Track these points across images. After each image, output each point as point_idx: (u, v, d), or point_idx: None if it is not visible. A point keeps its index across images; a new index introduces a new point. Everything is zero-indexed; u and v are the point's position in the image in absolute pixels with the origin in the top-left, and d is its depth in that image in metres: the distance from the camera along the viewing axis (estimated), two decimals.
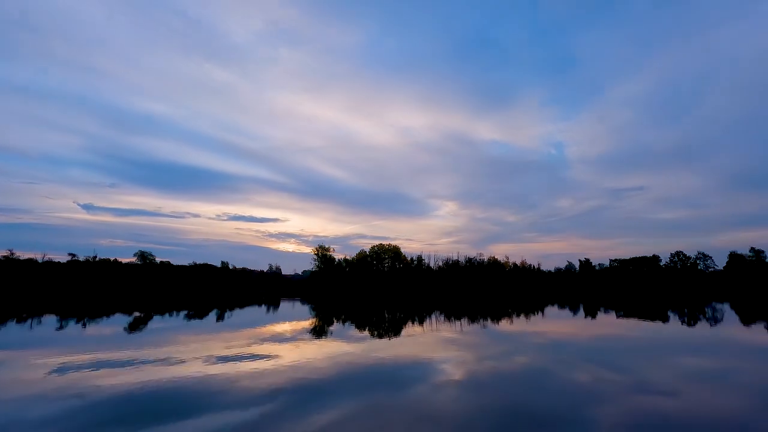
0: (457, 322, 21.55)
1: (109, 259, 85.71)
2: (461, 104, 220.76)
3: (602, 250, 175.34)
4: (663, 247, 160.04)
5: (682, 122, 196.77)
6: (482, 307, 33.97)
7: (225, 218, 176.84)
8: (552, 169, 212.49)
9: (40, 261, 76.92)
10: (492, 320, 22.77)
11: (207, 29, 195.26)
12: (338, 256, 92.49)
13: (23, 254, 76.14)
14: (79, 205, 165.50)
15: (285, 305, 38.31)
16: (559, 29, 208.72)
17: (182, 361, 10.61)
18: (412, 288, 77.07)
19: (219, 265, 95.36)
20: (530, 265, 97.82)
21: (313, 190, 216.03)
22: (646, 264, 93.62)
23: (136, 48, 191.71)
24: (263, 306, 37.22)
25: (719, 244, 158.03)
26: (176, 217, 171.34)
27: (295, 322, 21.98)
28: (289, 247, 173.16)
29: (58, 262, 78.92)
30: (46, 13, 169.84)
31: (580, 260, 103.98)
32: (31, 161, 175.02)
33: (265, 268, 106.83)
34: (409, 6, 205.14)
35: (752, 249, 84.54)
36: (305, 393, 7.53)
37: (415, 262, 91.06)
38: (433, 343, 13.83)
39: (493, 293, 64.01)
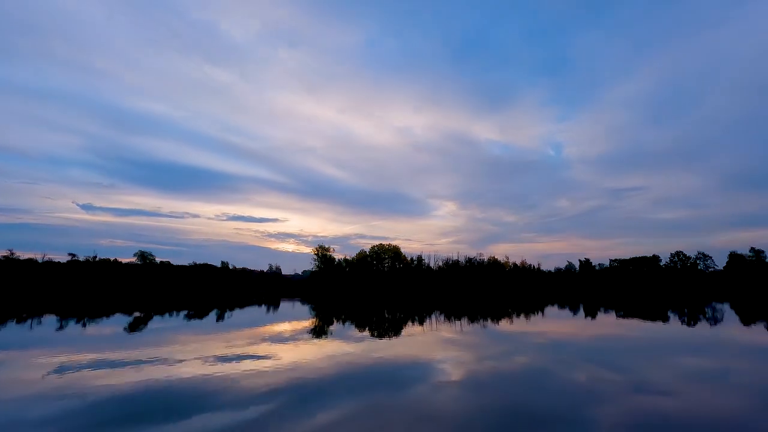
0: (457, 322, 21.55)
1: (109, 259, 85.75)
2: (461, 104, 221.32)
3: (602, 250, 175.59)
4: (663, 247, 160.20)
5: (681, 122, 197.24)
6: (482, 307, 33.96)
7: (224, 218, 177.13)
8: (551, 169, 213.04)
9: (40, 261, 76.95)
10: (492, 320, 22.77)
11: (206, 30, 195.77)
12: (338, 256, 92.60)
13: (23, 254, 76.22)
14: (78, 205, 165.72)
15: (285, 305, 38.31)
16: (557, 30, 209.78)
17: (182, 361, 10.61)
18: (412, 288, 77.06)
19: (219, 265, 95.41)
20: (530, 265, 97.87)
21: (313, 190, 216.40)
22: (646, 264, 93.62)
23: (136, 48, 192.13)
24: (263, 306, 37.22)
25: (719, 244, 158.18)
26: (176, 217, 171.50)
27: (295, 322, 21.98)
28: (288, 247, 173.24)
29: (58, 262, 78.99)
30: (47, 14, 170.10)
31: (580, 260, 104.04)
32: (31, 161, 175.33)
33: (265, 268, 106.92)
34: (408, 7, 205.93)
35: (752, 249, 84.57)
36: (305, 393, 7.53)
37: (415, 262, 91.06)
38: (433, 343, 13.83)
39: (493, 293, 64.00)
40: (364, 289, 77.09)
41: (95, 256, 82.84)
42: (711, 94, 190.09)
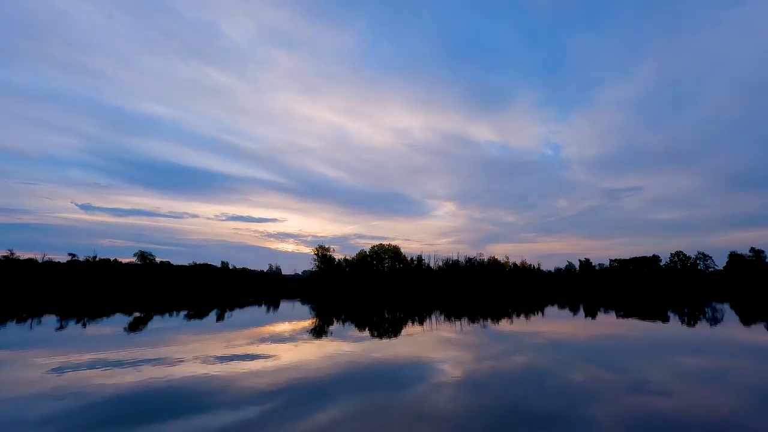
0: (457, 322, 21.55)
1: (109, 259, 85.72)
2: (458, 105, 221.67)
3: (601, 250, 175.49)
4: (662, 247, 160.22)
5: (679, 122, 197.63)
6: (482, 307, 33.96)
7: (223, 218, 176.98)
8: (550, 169, 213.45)
9: (40, 261, 76.92)
10: (492, 320, 22.77)
11: (205, 31, 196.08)
12: (338, 256, 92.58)
13: (23, 254, 76.17)
14: (77, 205, 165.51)
15: (285, 305, 38.31)
16: (553, 31, 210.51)
17: (182, 361, 10.61)
18: (412, 288, 77.07)
19: (219, 265, 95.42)
20: (530, 265, 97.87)
21: (312, 190, 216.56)
22: (646, 264, 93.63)
23: (135, 49, 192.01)
24: (263, 306, 37.22)
25: (719, 244, 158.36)
26: (175, 217, 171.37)
27: (295, 322, 21.98)
28: (288, 247, 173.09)
29: (58, 262, 78.94)
30: (45, 15, 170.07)
31: (580, 260, 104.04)
32: (30, 162, 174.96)
33: (265, 268, 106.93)
34: (403, 9, 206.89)
35: (752, 249, 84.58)
36: (305, 393, 7.53)
37: (415, 262, 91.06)
38: (433, 343, 13.83)
39: (493, 293, 64.00)
40: (364, 289, 77.09)
41: (95, 256, 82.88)
42: (709, 94, 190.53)
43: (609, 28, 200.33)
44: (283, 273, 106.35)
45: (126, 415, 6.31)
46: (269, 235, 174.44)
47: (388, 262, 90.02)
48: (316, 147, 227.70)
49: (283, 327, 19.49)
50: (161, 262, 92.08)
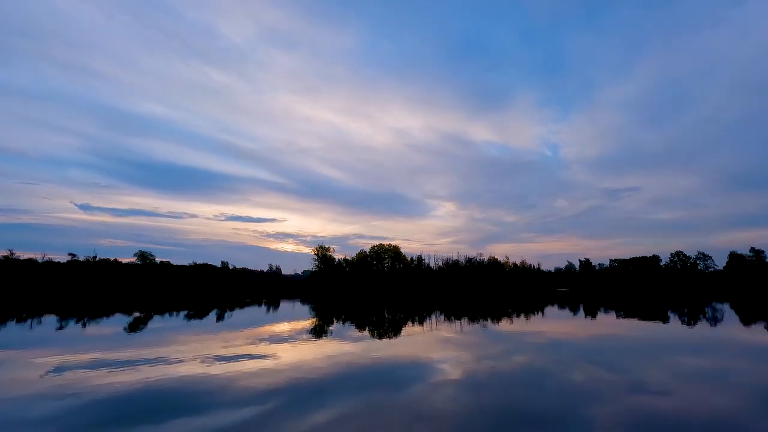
0: (457, 322, 21.55)
1: (109, 259, 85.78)
2: (457, 105, 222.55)
3: (601, 250, 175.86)
4: (662, 247, 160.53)
5: (678, 123, 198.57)
6: (482, 307, 33.96)
7: (222, 218, 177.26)
8: (549, 169, 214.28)
9: (40, 261, 76.96)
10: (492, 320, 22.76)
11: (204, 32, 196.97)
12: (338, 256, 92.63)
13: (23, 254, 76.25)
14: (76, 205, 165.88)
15: (285, 305, 38.31)
16: (553, 31, 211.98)
17: (182, 361, 10.61)
18: (412, 288, 77.06)
19: (218, 265, 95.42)
20: (530, 265, 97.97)
21: (311, 190, 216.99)
22: (646, 264, 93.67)
23: (135, 50, 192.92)
24: (263, 306, 37.22)
25: (719, 244, 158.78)
26: (174, 217, 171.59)
27: (294, 322, 21.98)
28: (287, 247, 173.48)
29: (58, 262, 79.03)
30: (45, 16, 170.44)
31: (580, 260, 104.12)
32: (30, 162, 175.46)
33: (265, 268, 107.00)
34: (402, 10, 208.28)
35: (752, 249, 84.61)
36: (304, 392, 7.53)
37: (415, 262, 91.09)
38: (432, 343, 13.82)
39: (493, 293, 63.99)
40: (364, 289, 77.09)
41: (95, 256, 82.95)
42: (709, 94, 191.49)
43: (608, 29, 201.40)
44: (283, 273, 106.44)
45: (125, 415, 6.30)
46: (269, 235, 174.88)
47: (388, 262, 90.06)
48: (316, 147, 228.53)
49: (283, 327, 19.49)
50: (161, 262, 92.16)
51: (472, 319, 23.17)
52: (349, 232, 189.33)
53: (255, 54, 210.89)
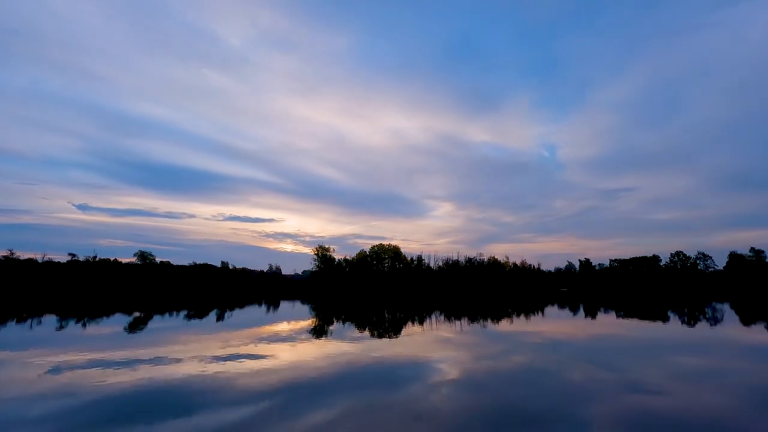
0: (457, 322, 21.54)
1: (109, 259, 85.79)
2: (453, 107, 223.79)
3: (600, 250, 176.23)
4: (661, 248, 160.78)
5: (673, 123, 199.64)
6: (482, 307, 33.95)
7: (221, 218, 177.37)
8: (546, 170, 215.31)
9: (40, 261, 76.97)
10: (492, 320, 22.76)
11: (202, 34, 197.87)
12: (338, 256, 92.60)
13: (23, 254, 76.28)
14: (74, 205, 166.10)
15: (285, 305, 38.30)
16: (546, 33, 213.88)
17: (182, 361, 10.61)
18: (412, 288, 77.05)
19: (218, 265, 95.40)
20: (530, 265, 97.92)
21: (310, 191, 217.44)
22: (646, 264, 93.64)
23: (133, 52, 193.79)
24: (263, 306, 37.22)
25: (717, 244, 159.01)
26: (173, 217, 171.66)
27: (294, 322, 21.98)
28: (287, 247, 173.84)
29: (58, 262, 79.06)
30: (44, 18, 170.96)
31: (580, 260, 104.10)
32: (30, 163, 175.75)
33: (265, 268, 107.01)
34: (398, 12, 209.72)
35: (752, 249, 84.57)
36: (303, 392, 7.52)
37: (415, 262, 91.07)
38: (432, 343, 13.82)
39: (493, 293, 63.97)
40: (364, 289, 77.07)
41: (95, 256, 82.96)
42: (704, 95, 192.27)
43: (602, 30, 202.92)
44: (283, 273, 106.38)
45: (124, 415, 6.30)
46: (267, 235, 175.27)
47: (388, 262, 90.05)
48: (314, 148, 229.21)
49: (283, 327, 19.49)
50: (161, 262, 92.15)
51: (472, 319, 23.16)
52: (347, 232, 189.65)
53: (253, 56, 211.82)
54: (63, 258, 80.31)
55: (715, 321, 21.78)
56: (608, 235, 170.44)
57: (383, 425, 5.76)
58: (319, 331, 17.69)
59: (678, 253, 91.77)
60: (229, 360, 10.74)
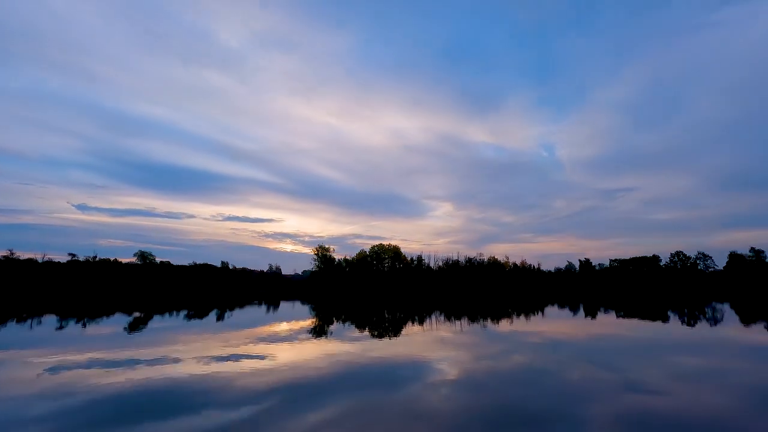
0: (457, 322, 21.55)
1: (109, 259, 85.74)
2: (452, 107, 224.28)
3: (600, 250, 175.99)
4: (660, 248, 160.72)
5: (672, 124, 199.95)
6: (482, 307, 33.95)
7: (220, 218, 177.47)
8: (545, 170, 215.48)
9: (40, 261, 76.96)
10: (492, 320, 22.76)
11: (202, 35, 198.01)
12: (338, 256, 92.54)
13: (23, 254, 76.25)
14: (73, 205, 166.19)
15: (285, 305, 38.31)
16: (544, 34, 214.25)
17: (182, 361, 10.61)
18: (412, 288, 77.06)
19: (218, 265, 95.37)
20: (530, 265, 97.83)
21: (309, 191, 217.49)
22: (646, 264, 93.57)
23: (133, 53, 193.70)
24: (263, 306, 37.22)
25: (716, 244, 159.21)
26: (172, 217, 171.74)
27: (294, 322, 21.98)
28: (286, 247, 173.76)
29: (58, 262, 79.02)
30: (44, 19, 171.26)
31: (580, 260, 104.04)
32: (30, 163, 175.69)
33: (265, 268, 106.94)
34: (396, 13, 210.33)
35: (752, 249, 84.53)
36: (303, 392, 7.53)
37: (415, 262, 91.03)
38: (432, 343, 13.82)
39: (493, 293, 63.98)
40: (364, 289, 77.09)
41: (95, 256, 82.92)
42: (703, 95, 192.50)
43: (602, 30, 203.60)
44: (283, 273, 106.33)
45: (124, 415, 6.30)
46: (267, 235, 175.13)
47: (388, 262, 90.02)
48: (314, 148, 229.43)
49: (283, 327, 19.49)
50: (161, 262, 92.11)
51: (472, 319, 23.16)
52: (347, 232, 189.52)
53: (253, 56, 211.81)
54: (63, 258, 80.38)
55: (715, 321, 21.78)
56: (608, 235, 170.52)
57: (383, 425, 5.76)
58: (319, 331, 17.69)
59: (678, 253, 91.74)
60: (229, 360, 10.75)
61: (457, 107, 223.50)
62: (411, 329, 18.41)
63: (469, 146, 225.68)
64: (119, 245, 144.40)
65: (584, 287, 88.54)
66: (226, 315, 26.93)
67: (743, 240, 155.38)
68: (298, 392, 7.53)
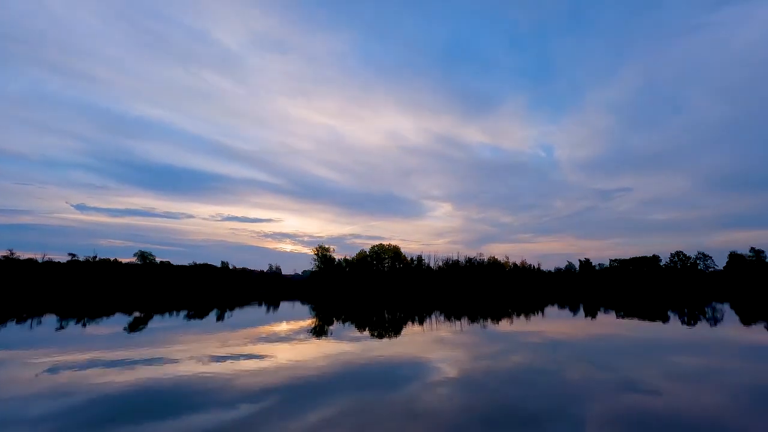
0: (457, 322, 21.54)
1: (109, 259, 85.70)
2: (449, 108, 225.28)
3: (599, 250, 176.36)
4: (660, 248, 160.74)
5: (668, 125, 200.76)
6: (482, 307, 33.95)
7: (219, 218, 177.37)
8: (543, 170, 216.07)
9: (40, 261, 76.94)
10: (492, 320, 22.76)
11: (200, 37, 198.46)
12: (338, 256, 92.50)
13: (23, 254, 76.23)
14: (72, 205, 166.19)
15: (285, 305, 38.30)
16: (538, 36, 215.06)
17: (181, 360, 10.61)
18: (412, 288, 77.05)
19: (218, 265, 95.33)
20: (530, 265, 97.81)
21: (308, 191, 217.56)
22: (646, 264, 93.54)
23: (131, 55, 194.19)
24: (263, 306, 37.22)
25: (715, 244, 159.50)
26: (171, 217, 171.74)
27: (294, 322, 21.98)
28: (285, 247, 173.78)
29: (58, 262, 78.99)
30: (42, 21, 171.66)
31: (579, 260, 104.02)
32: (30, 163, 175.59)
33: (265, 268, 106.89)
34: (393, 14, 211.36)
35: (752, 249, 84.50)
36: (303, 392, 7.53)
37: (415, 262, 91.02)
38: (432, 343, 13.82)
39: (493, 293, 63.97)
40: (364, 289, 77.08)
41: (95, 256, 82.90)
42: (699, 96, 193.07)
43: (598, 31, 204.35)
44: (282, 273, 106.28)
45: (124, 415, 6.30)
46: (266, 236, 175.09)
47: (388, 262, 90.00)
48: (312, 149, 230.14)
49: (283, 327, 19.49)
50: (161, 262, 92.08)
51: (472, 319, 23.16)
52: (346, 232, 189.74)
53: (251, 57, 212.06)
54: (63, 258, 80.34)
55: (715, 321, 21.78)
56: (607, 235, 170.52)
57: (383, 425, 5.76)
58: (319, 331, 17.69)
59: (678, 253, 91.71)
60: (229, 360, 10.75)
61: (456, 108, 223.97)
62: (411, 329, 18.41)
63: (467, 147, 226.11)
64: (119, 245, 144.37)
65: (584, 287, 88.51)
66: (226, 315, 26.93)
67: (743, 240, 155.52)
68: (298, 392, 7.53)
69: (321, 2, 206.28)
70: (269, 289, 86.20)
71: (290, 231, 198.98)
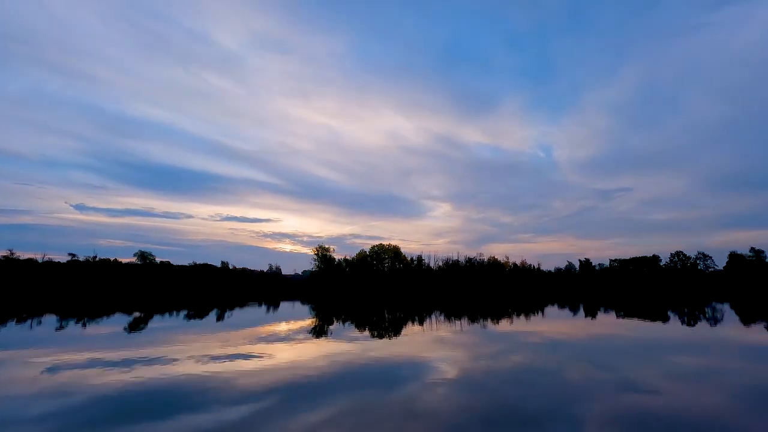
0: (457, 322, 21.54)
1: (109, 259, 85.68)
2: (448, 109, 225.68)
3: (599, 250, 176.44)
4: (660, 248, 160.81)
5: (667, 125, 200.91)
6: (482, 307, 33.95)
7: (218, 218, 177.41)
8: (542, 171, 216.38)
9: (40, 261, 76.94)
10: (492, 320, 22.76)
11: (200, 37, 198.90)
12: (338, 256, 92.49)
13: (23, 254, 76.21)
14: (71, 205, 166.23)
15: (285, 305, 38.30)
16: (537, 36, 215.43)
17: (181, 360, 10.61)
18: (412, 288, 77.05)
19: (218, 265, 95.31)
20: (530, 265, 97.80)
21: (307, 191, 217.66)
22: (646, 264, 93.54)
23: (131, 55, 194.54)
24: (263, 306, 37.22)
25: (714, 244, 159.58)
26: (171, 217, 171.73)
27: (294, 322, 21.98)
28: (285, 247, 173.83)
29: (58, 262, 78.98)
30: (42, 22, 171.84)
31: (579, 260, 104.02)
32: (30, 163, 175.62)
33: (265, 268, 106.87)
34: (392, 14, 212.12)
35: (752, 249, 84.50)
36: (303, 391, 7.53)
37: (415, 262, 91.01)
38: (432, 343, 13.82)
39: (493, 293, 63.97)
40: (364, 289, 77.08)
41: (95, 256, 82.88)
42: (698, 96, 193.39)
43: (598, 31, 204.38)
44: (282, 273, 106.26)
45: (124, 414, 6.30)
46: (265, 236, 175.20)
47: (388, 262, 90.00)
48: (311, 149, 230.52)
49: (283, 327, 19.49)
50: (161, 262, 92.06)
51: (472, 319, 23.16)
52: (346, 232, 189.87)
53: (251, 58, 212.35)
54: (63, 258, 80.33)
55: (715, 321, 21.78)
56: (607, 235, 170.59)
57: (383, 425, 5.76)
58: (318, 331, 17.70)
59: (678, 253, 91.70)
60: (229, 360, 10.75)
61: (455, 108, 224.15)
62: (411, 329, 18.41)
63: (466, 147, 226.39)
64: (119, 245, 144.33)
65: (584, 287, 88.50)
66: (226, 315, 26.93)
67: (743, 240, 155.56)
68: (298, 392, 7.53)
69: (321, 2, 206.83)
70: (269, 289, 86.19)
71: (290, 231, 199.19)
